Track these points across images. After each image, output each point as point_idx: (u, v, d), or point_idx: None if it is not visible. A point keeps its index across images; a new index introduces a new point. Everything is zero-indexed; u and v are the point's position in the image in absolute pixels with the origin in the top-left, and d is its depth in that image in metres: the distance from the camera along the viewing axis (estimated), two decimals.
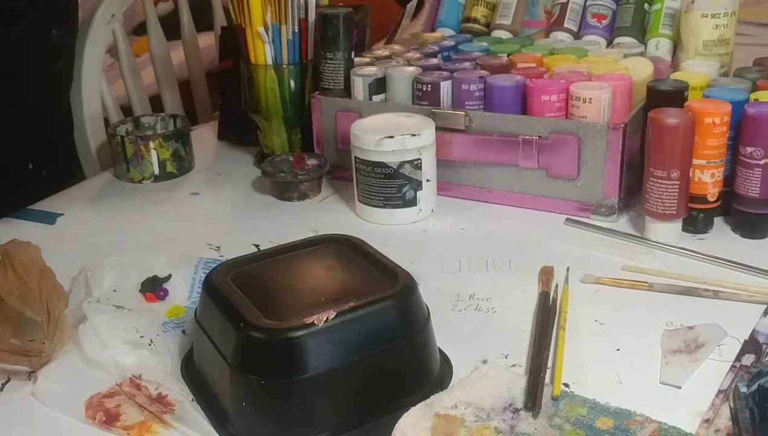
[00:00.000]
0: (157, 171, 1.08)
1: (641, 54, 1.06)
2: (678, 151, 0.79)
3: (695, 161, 0.82)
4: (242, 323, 0.57)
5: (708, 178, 0.83)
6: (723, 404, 0.59)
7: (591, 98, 0.88)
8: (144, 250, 0.87)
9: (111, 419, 0.60)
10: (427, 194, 0.92)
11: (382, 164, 0.89)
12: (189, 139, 1.11)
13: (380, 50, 1.12)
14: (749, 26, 1.58)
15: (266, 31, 1.03)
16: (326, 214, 0.97)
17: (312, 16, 1.05)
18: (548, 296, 0.74)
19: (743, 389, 0.51)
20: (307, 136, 1.08)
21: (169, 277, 0.78)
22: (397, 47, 1.13)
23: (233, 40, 1.10)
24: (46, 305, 0.68)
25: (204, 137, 1.24)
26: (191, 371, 0.66)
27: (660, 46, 1.08)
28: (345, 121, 0.99)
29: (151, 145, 1.06)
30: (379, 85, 1.00)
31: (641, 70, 0.97)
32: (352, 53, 1.03)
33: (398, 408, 0.57)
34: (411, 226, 0.92)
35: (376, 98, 1.01)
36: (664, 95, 0.86)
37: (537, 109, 0.91)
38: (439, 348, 0.64)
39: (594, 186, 0.90)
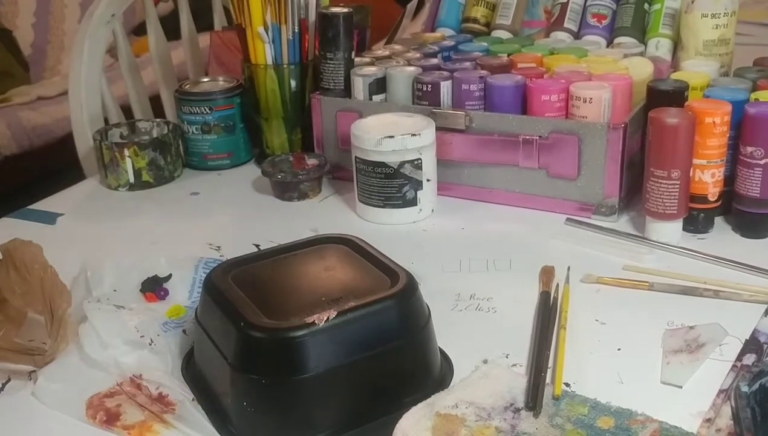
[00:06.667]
0: (132, 179, 1.05)
1: (641, 54, 1.06)
2: (678, 151, 0.79)
3: (696, 161, 0.82)
4: (243, 322, 0.57)
5: (708, 178, 0.83)
6: (724, 404, 0.59)
7: (591, 98, 0.88)
8: (144, 250, 0.87)
9: (111, 418, 0.60)
10: (427, 194, 0.92)
11: (383, 164, 0.89)
12: (171, 148, 1.07)
13: (380, 50, 1.12)
14: (749, 26, 1.58)
15: (266, 31, 1.03)
16: (326, 214, 0.97)
17: (312, 16, 1.05)
18: (549, 295, 0.74)
19: (744, 389, 0.51)
20: (307, 136, 1.08)
21: (169, 277, 0.78)
22: (397, 47, 1.13)
23: None
24: (50, 303, 0.67)
25: None
26: (192, 370, 0.65)
27: (660, 46, 1.08)
28: (345, 121, 0.99)
29: (126, 152, 1.03)
30: (379, 85, 1.00)
31: (641, 70, 0.97)
32: (353, 53, 1.03)
33: (399, 408, 0.57)
34: (411, 226, 0.92)
35: (376, 98, 1.01)
36: (665, 95, 0.86)
37: (537, 109, 0.91)
38: (439, 348, 0.64)
39: (594, 186, 0.90)
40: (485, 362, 0.65)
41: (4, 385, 0.65)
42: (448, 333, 0.67)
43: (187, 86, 1.13)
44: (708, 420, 0.58)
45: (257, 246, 0.87)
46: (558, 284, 0.76)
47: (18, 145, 2.26)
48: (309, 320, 0.56)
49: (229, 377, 0.58)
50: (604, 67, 0.96)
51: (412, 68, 1.00)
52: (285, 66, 1.05)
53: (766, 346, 0.66)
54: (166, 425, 0.59)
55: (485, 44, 1.10)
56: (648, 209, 0.83)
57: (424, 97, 0.97)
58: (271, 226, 0.93)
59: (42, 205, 1.02)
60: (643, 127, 0.86)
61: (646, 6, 1.11)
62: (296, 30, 1.04)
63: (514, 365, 0.65)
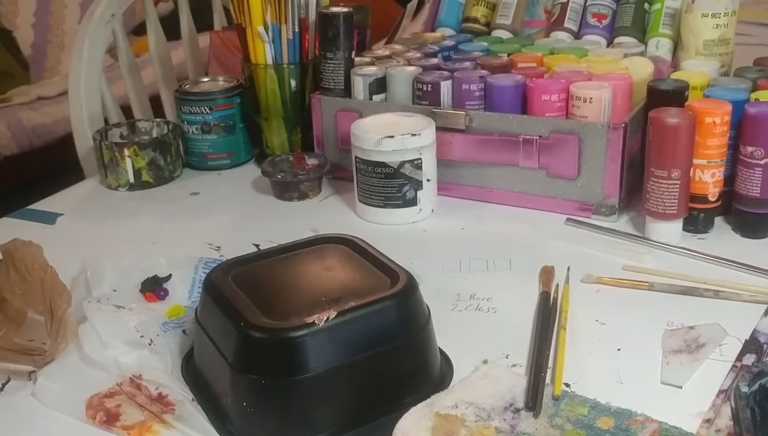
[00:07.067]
0: (132, 179, 1.04)
1: (641, 54, 1.06)
2: (678, 151, 0.79)
3: (696, 161, 0.82)
4: (242, 322, 0.57)
5: (708, 178, 0.83)
6: (724, 404, 0.59)
7: (591, 98, 0.88)
8: (144, 250, 0.87)
9: (111, 418, 0.60)
10: (427, 194, 0.92)
11: (383, 164, 0.89)
12: (171, 148, 1.07)
13: (380, 50, 1.12)
14: (749, 26, 1.58)
15: (266, 30, 1.03)
16: (326, 214, 0.96)
17: (312, 16, 1.05)
18: (549, 295, 0.74)
19: (744, 389, 0.51)
20: (307, 136, 1.08)
21: (169, 277, 0.78)
22: (397, 47, 1.13)
23: None
24: (50, 304, 0.67)
25: None
26: (191, 370, 0.65)
27: (660, 45, 1.08)
28: (345, 121, 0.99)
29: (126, 152, 1.03)
30: (379, 85, 1.00)
31: (641, 70, 0.97)
32: (353, 53, 1.03)
33: (399, 408, 0.57)
34: (411, 226, 0.92)
35: (377, 98, 1.01)
36: (665, 95, 0.86)
37: (537, 109, 0.91)
38: (439, 348, 0.64)
39: (594, 186, 0.89)
40: (485, 362, 0.65)
41: (4, 385, 0.65)
42: (448, 333, 0.67)
43: (187, 86, 1.13)
44: (708, 420, 0.58)
45: (257, 246, 0.87)
46: (558, 284, 0.76)
47: (18, 145, 2.26)
48: (309, 320, 0.56)
49: (229, 377, 0.58)
50: (605, 67, 0.96)
51: (412, 68, 1.00)
52: (285, 66, 1.05)
53: (765, 346, 0.66)
54: (166, 426, 0.59)
55: (485, 44, 1.10)
56: (648, 209, 0.83)
57: (424, 97, 0.97)
58: (271, 226, 0.93)
59: (42, 205, 1.02)
60: (643, 127, 0.86)
61: (646, 6, 1.11)
62: (296, 30, 1.04)
63: (513, 365, 0.65)
